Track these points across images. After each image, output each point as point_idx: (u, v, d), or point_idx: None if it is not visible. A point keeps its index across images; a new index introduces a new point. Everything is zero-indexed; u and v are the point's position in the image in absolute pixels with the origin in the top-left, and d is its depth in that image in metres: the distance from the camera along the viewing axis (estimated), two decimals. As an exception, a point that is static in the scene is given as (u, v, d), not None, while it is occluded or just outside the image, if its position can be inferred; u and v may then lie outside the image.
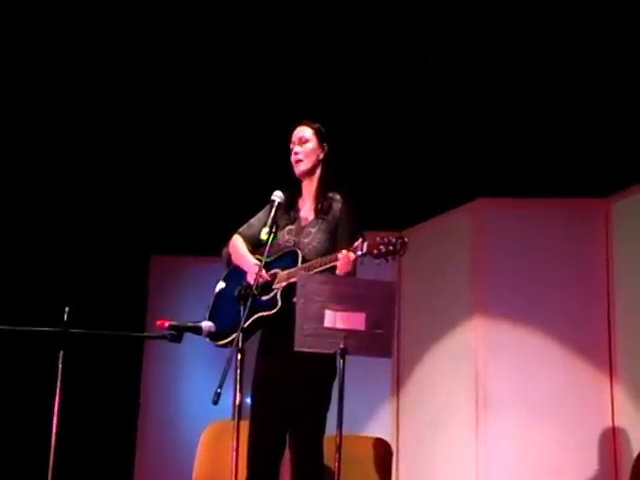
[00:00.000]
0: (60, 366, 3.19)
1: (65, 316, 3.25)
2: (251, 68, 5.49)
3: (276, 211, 3.71)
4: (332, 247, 3.72)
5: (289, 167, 3.91)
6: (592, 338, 5.03)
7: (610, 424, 4.90)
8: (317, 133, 3.90)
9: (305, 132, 3.90)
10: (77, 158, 5.93)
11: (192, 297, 5.62)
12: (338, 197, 3.85)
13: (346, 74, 5.47)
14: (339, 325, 3.34)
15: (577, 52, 5.06)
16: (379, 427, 5.46)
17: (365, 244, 3.49)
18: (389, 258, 3.47)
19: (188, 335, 3.49)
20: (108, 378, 5.95)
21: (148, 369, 6.25)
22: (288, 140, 3.94)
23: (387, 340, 3.41)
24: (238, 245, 3.90)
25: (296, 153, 3.88)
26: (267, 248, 3.62)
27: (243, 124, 5.78)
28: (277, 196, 3.74)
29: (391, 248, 3.45)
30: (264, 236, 3.68)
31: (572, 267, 5.14)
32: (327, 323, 3.34)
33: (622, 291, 4.98)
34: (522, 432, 5.00)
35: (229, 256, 3.95)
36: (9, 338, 3.48)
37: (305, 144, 3.87)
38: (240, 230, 3.96)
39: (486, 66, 5.32)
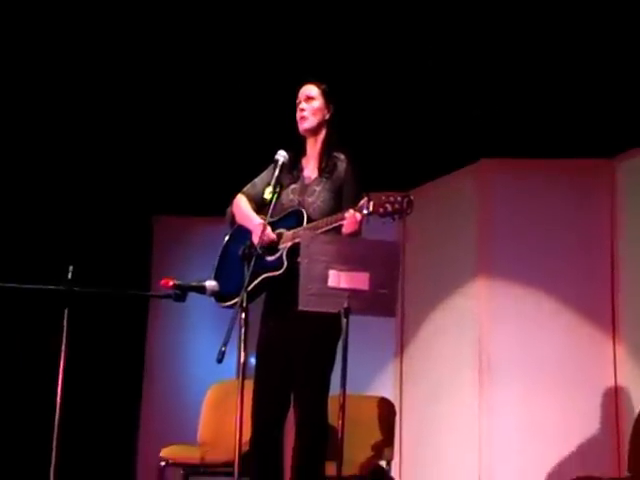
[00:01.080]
0: (65, 324, 3.20)
1: (69, 274, 3.25)
2: (257, 29, 5.45)
3: (280, 171, 3.70)
4: (337, 206, 3.71)
5: (294, 125, 3.89)
6: (595, 301, 5.03)
7: (612, 385, 4.92)
8: (324, 93, 3.88)
9: (312, 90, 3.88)
10: (80, 118, 5.92)
11: (197, 257, 5.64)
12: (342, 157, 3.83)
13: (351, 35, 5.44)
14: (343, 285, 3.34)
15: (583, 11, 5.02)
16: (383, 388, 5.49)
17: (371, 203, 3.46)
18: (395, 216, 3.45)
19: (193, 295, 3.49)
20: (113, 337, 5.98)
21: (153, 328, 6.28)
22: (294, 97, 3.91)
23: (391, 300, 3.41)
24: (242, 204, 3.89)
25: (302, 110, 3.85)
26: (271, 208, 3.61)
27: (247, 82, 5.75)
28: (281, 155, 3.73)
29: (397, 206, 3.43)
30: (268, 195, 3.68)
31: (576, 230, 5.12)
32: (331, 283, 3.34)
33: (625, 253, 4.97)
34: (525, 396, 5.01)
35: (233, 216, 3.93)
36: (14, 296, 3.49)
37: (311, 102, 3.85)
38: (244, 190, 3.94)
39: (490, 26, 5.28)
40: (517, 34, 5.23)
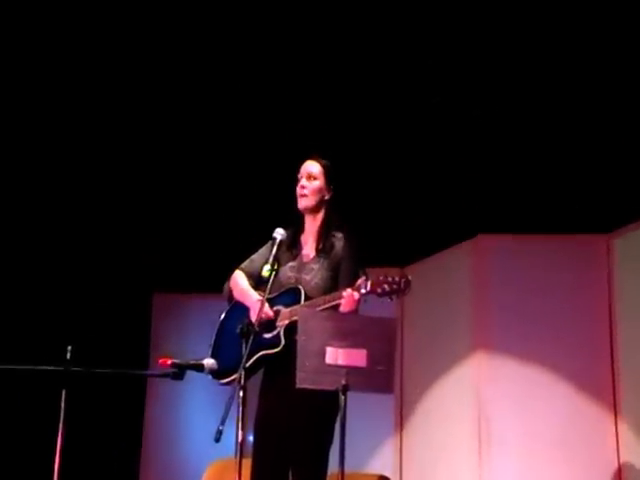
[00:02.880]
0: (63, 405, 3.20)
1: (67, 355, 3.25)
2: (259, 102, 5.53)
3: (278, 248, 3.73)
4: (334, 284, 3.73)
5: (293, 200, 3.90)
6: (595, 373, 5.02)
7: (615, 460, 4.88)
8: (326, 171, 3.88)
9: (314, 168, 3.89)
10: (79, 193, 5.96)
11: (195, 334, 5.62)
12: (340, 235, 3.86)
13: (348, 111, 5.53)
14: (341, 362, 3.34)
15: (578, 86, 5.12)
16: (382, 464, 5.45)
17: (368, 282, 3.50)
18: (393, 297, 3.48)
19: (191, 373, 3.50)
20: (111, 416, 5.94)
21: (151, 407, 6.23)
22: (294, 172, 3.92)
23: (388, 376, 3.41)
24: (239, 281, 3.90)
25: (303, 187, 3.86)
26: (269, 285, 3.62)
27: (246, 159, 5.81)
28: (279, 233, 3.75)
29: (395, 287, 3.46)
30: (265, 273, 3.69)
31: (574, 303, 5.14)
32: (329, 360, 3.34)
33: (625, 326, 4.98)
34: (526, 469, 4.97)
35: (230, 292, 3.94)
36: (12, 377, 3.49)
37: (313, 181, 3.86)
38: (242, 266, 3.96)
39: (484, 101, 5.37)
40: (514, 104, 5.32)
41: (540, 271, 5.22)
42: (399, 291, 3.47)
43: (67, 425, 3.21)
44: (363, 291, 3.50)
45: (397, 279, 3.47)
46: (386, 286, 3.46)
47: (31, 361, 3.36)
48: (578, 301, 5.13)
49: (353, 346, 3.36)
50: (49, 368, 3.27)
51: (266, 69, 5.36)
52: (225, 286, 3.99)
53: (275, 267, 3.70)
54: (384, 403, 5.44)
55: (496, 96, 5.32)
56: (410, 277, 3.49)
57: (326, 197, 3.88)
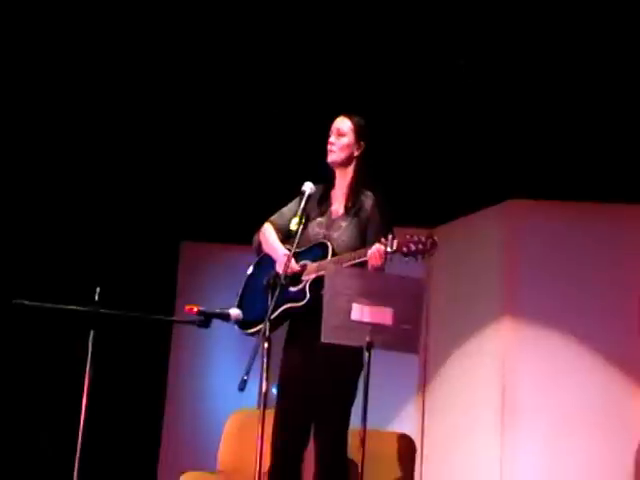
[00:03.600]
0: (91, 346, 3.23)
1: (96, 296, 3.28)
2: (292, 58, 5.51)
3: (306, 202, 3.72)
4: (362, 243, 3.71)
5: (325, 156, 3.90)
6: (624, 346, 4.99)
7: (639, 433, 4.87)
8: (355, 128, 3.85)
9: (343, 125, 3.87)
10: (110, 145, 5.98)
11: (222, 285, 5.63)
12: (369, 193, 3.84)
13: (381, 70, 5.48)
14: (366, 319, 3.35)
15: (616, 62, 5.04)
16: (404, 424, 5.47)
17: (395, 241, 3.48)
18: (418, 257, 3.46)
19: (217, 322, 3.52)
20: (136, 361, 5.98)
21: (176, 353, 6.27)
22: (328, 127, 3.91)
23: (414, 336, 3.42)
24: (268, 234, 3.91)
25: (331, 143, 3.86)
26: (297, 239, 3.63)
27: (279, 111, 5.79)
28: (307, 187, 3.75)
29: (421, 247, 3.45)
30: (293, 227, 3.69)
31: (605, 274, 5.10)
32: (354, 316, 3.34)
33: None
34: (548, 440, 4.97)
35: (260, 244, 3.95)
36: (41, 315, 3.53)
37: (341, 137, 3.85)
38: (271, 218, 3.96)
39: (521, 68, 5.31)
40: (550, 75, 5.25)
41: (571, 240, 5.18)
42: (425, 251, 3.45)
43: (94, 366, 3.24)
44: (389, 249, 3.49)
45: (423, 239, 3.45)
46: (412, 245, 3.45)
47: (60, 300, 3.39)
48: (610, 272, 5.08)
49: (379, 304, 3.37)
50: (78, 308, 3.30)
51: (299, 28, 5.33)
52: (254, 238, 4.00)
53: (303, 221, 3.70)
54: (408, 364, 5.43)
55: (531, 61, 5.24)
56: (437, 238, 3.47)
57: (355, 154, 3.86)
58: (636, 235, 5.09)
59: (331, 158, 3.86)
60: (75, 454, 3.18)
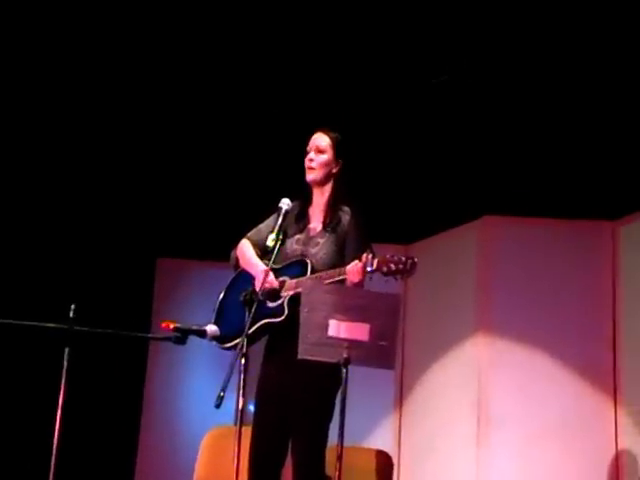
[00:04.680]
0: (65, 363, 3.21)
1: (71, 313, 3.26)
2: (268, 73, 5.52)
3: (283, 219, 3.72)
4: (340, 259, 3.71)
5: (302, 172, 3.89)
6: (597, 359, 5.04)
7: (613, 446, 4.89)
8: (334, 144, 3.84)
9: (322, 141, 3.85)
10: (84, 160, 5.96)
11: (198, 301, 5.63)
12: (347, 209, 3.84)
13: (356, 86, 5.52)
14: (343, 335, 3.35)
15: (589, 73, 5.09)
16: (381, 439, 5.47)
17: (375, 260, 3.50)
18: (398, 277, 3.48)
19: (193, 338, 3.51)
20: (112, 378, 5.95)
21: (152, 371, 6.24)
22: (304, 143, 3.90)
23: (390, 352, 3.42)
24: (246, 249, 3.90)
25: (310, 160, 3.84)
26: (274, 255, 3.62)
27: (254, 126, 5.80)
28: (284, 204, 3.74)
29: (401, 267, 3.47)
30: (270, 243, 3.67)
31: (578, 287, 5.15)
32: (331, 332, 3.34)
33: (628, 312, 4.99)
34: (523, 451, 4.99)
35: (237, 260, 3.94)
36: (15, 333, 3.50)
37: (320, 154, 3.84)
38: (249, 235, 3.95)
39: (492, 82, 5.36)
40: (522, 89, 5.31)
41: (544, 255, 5.23)
42: (405, 271, 3.47)
43: (69, 384, 3.22)
44: (369, 269, 3.50)
45: (403, 259, 3.47)
46: (392, 265, 3.47)
47: (35, 318, 3.37)
48: (582, 286, 5.14)
49: (356, 320, 3.37)
50: (53, 325, 3.28)
51: (277, 42, 5.34)
52: (232, 254, 3.99)
53: (280, 237, 3.69)
54: (385, 379, 5.46)
55: (504, 78, 5.29)
56: (416, 259, 3.49)
57: (334, 170, 3.85)
58: (609, 250, 5.14)
59: (311, 177, 3.85)
60: (50, 471, 3.15)
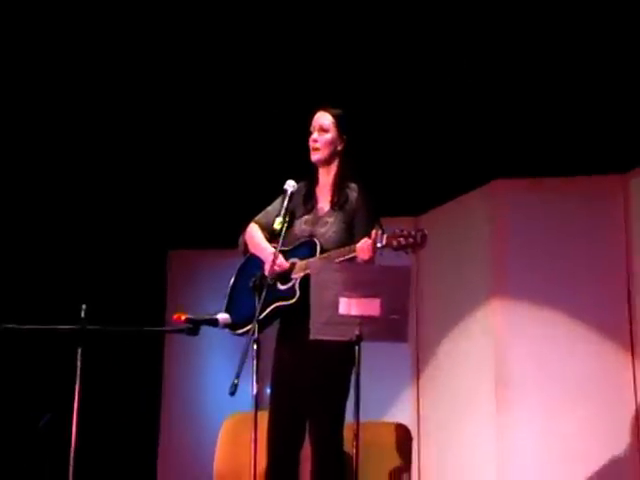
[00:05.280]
0: (79, 363, 3.22)
1: (82, 313, 3.27)
2: (270, 57, 5.50)
3: (289, 200, 3.71)
4: (349, 237, 3.70)
5: (307, 153, 3.86)
6: (612, 318, 4.98)
7: (633, 402, 4.86)
8: (337, 122, 3.81)
9: (325, 120, 3.82)
10: (93, 156, 5.97)
11: (212, 290, 5.61)
12: (354, 186, 3.82)
13: (361, 60, 5.48)
14: (354, 312, 3.34)
15: (597, 29, 5.03)
16: (400, 412, 5.45)
17: (384, 236, 3.48)
18: (408, 250, 3.46)
19: (207, 328, 3.51)
20: (129, 374, 5.99)
21: (169, 363, 6.27)
22: (308, 123, 3.87)
23: (403, 325, 3.40)
24: (254, 233, 3.89)
25: (314, 140, 3.81)
26: (281, 238, 3.62)
27: (260, 112, 5.78)
28: (290, 185, 3.74)
29: (411, 240, 3.45)
30: (277, 226, 3.67)
31: (591, 246, 5.09)
32: (342, 310, 3.34)
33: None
34: (543, 416, 4.96)
35: (245, 244, 3.93)
36: (28, 337, 3.52)
37: (324, 133, 3.80)
38: (256, 218, 3.94)
39: (498, 47, 5.30)
40: (531, 54, 5.26)
41: (556, 215, 5.17)
42: (415, 245, 3.45)
43: (86, 384, 3.24)
44: (379, 245, 3.48)
45: (413, 232, 3.45)
46: (402, 239, 3.45)
47: (47, 321, 3.38)
48: (595, 243, 5.07)
49: (366, 295, 3.36)
50: (64, 327, 3.29)
51: (278, 23, 5.33)
52: (240, 239, 3.98)
53: (287, 219, 3.68)
54: (401, 352, 5.45)
55: (509, 38, 5.25)
56: (426, 231, 3.46)
57: (339, 148, 3.82)
58: (620, 205, 5.09)
59: (316, 156, 3.82)
60: (69, 467, 3.17)
